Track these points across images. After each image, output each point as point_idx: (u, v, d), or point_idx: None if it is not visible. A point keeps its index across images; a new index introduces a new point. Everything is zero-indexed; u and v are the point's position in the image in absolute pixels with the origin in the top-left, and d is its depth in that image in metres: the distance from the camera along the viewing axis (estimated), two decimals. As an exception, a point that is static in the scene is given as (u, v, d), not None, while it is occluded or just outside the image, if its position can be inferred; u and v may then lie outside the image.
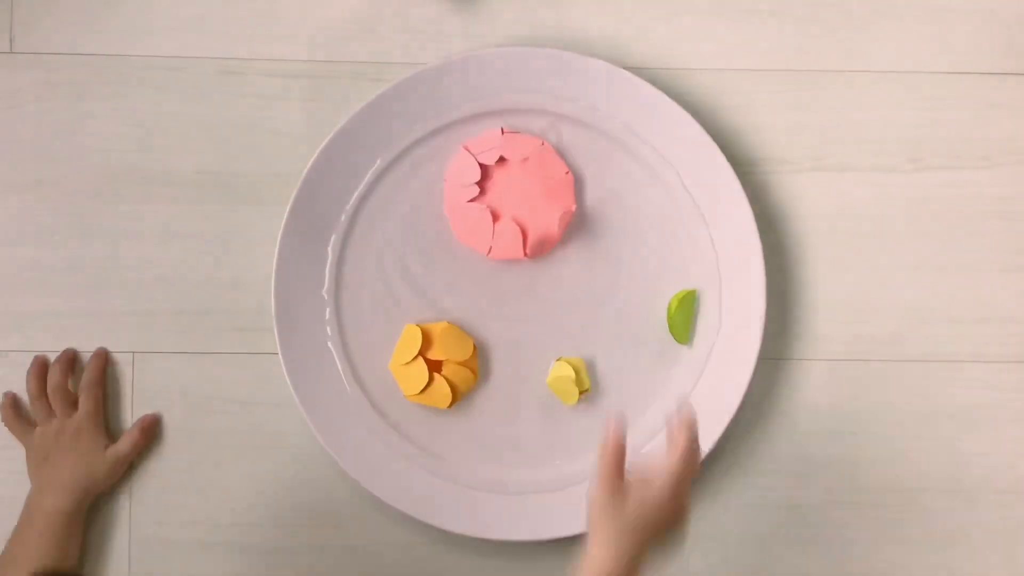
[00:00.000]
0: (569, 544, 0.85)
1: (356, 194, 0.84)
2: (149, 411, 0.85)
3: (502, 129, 0.83)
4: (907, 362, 0.87)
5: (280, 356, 0.82)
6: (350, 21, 0.86)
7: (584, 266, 0.85)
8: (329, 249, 0.84)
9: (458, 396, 0.83)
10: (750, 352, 0.84)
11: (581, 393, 0.84)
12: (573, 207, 0.83)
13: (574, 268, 0.85)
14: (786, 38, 0.87)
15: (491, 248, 0.83)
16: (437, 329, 0.83)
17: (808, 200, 0.87)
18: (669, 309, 0.84)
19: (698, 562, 0.86)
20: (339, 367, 0.84)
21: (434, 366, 0.83)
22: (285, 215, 0.82)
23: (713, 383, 0.85)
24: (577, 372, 0.83)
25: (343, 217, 0.84)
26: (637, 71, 0.85)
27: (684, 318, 0.84)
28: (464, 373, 0.83)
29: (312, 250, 0.84)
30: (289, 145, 0.85)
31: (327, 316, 0.84)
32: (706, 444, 0.83)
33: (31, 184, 0.85)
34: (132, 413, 0.85)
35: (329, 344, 0.84)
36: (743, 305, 0.84)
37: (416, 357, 0.82)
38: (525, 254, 0.83)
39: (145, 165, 0.85)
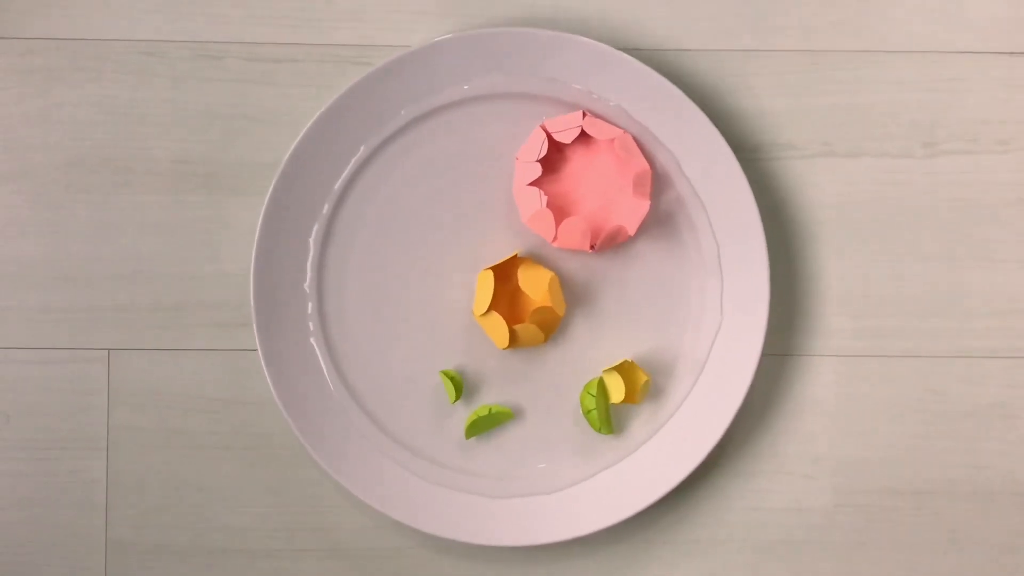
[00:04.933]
0: (560, 549, 0.83)
1: (338, 184, 0.81)
2: (125, 410, 0.82)
3: (583, 112, 0.79)
4: (920, 358, 0.84)
5: (260, 353, 0.80)
6: (333, 3, 0.83)
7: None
8: (311, 241, 0.81)
9: (516, 342, 0.79)
10: (753, 348, 0.81)
11: (644, 384, 0.81)
12: (648, 206, 0.79)
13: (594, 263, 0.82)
14: (792, 17, 0.84)
15: (556, 236, 0.79)
16: (545, 275, 0.80)
17: (815, 187, 0.84)
18: (583, 403, 0.81)
19: (700, 567, 0.83)
20: (322, 365, 0.81)
21: (517, 305, 0.80)
22: (264, 206, 0.80)
23: (715, 380, 0.82)
24: (628, 374, 0.80)
25: (325, 208, 0.81)
26: (634, 52, 0.82)
27: (603, 410, 0.80)
28: (533, 330, 0.79)
29: (293, 243, 0.81)
30: (270, 132, 0.83)
31: (309, 311, 0.81)
32: (708, 444, 0.81)
33: (1, 175, 0.82)
34: (108, 412, 0.82)
35: (312, 340, 0.81)
36: (746, 298, 0.81)
37: (488, 269, 0.79)
38: (592, 247, 0.79)
39: (120, 154, 0.83)
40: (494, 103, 0.81)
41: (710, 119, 0.81)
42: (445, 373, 0.81)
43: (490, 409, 0.81)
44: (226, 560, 0.83)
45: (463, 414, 0.82)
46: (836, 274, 0.84)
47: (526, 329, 0.78)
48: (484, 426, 0.81)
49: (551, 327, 0.80)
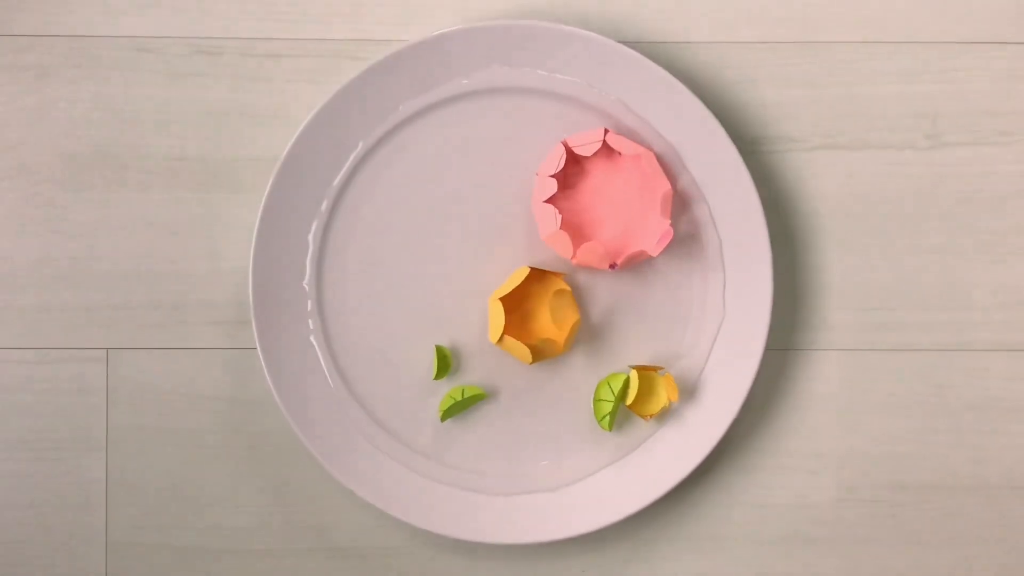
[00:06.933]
0: (564, 546, 0.82)
1: (337, 180, 0.80)
2: (124, 409, 0.81)
3: (605, 130, 0.78)
4: (925, 351, 0.83)
5: (259, 352, 0.79)
6: (330, -4, 0.82)
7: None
8: (310, 238, 0.80)
9: (505, 347, 0.79)
10: (756, 342, 0.80)
11: (663, 407, 0.80)
12: (671, 230, 0.78)
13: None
14: (793, 8, 0.83)
15: (574, 255, 0.78)
16: (573, 315, 0.79)
17: (817, 180, 0.83)
18: (598, 391, 0.80)
19: (703, 564, 0.83)
20: (322, 363, 0.80)
21: (533, 318, 0.80)
22: (262, 203, 0.79)
23: (718, 375, 0.81)
24: (652, 386, 0.80)
25: (324, 205, 0.80)
26: (634, 45, 0.82)
27: (615, 405, 0.80)
28: (524, 351, 0.78)
29: (292, 240, 0.80)
30: (267, 129, 0.82)
31: (308, 309, 0.80)
32: (711, 440, 0.80)
33: (-3, 173, 0.82)
34: (107, 412, 0.81)
35: (311, 338, 0.80)
36: (748, 292, 0.80)
37: (528, 267, 0.78)
38: (612, 266, 0.78)
39: (116, 151, 0.82)
40: (493, 97, 0.80)
41: (711, 112, 0.80)
42: (439, 348, 0.80)
43: (463, 391, 0.80)
44: (226, 559, 0.82)
45: (471, 414, 0.81)
46: (839, 267, 0.83)
47: (518, 346, 0.78)
48: (460, 408, 0.80)
49: (543, 357, 0.79)
